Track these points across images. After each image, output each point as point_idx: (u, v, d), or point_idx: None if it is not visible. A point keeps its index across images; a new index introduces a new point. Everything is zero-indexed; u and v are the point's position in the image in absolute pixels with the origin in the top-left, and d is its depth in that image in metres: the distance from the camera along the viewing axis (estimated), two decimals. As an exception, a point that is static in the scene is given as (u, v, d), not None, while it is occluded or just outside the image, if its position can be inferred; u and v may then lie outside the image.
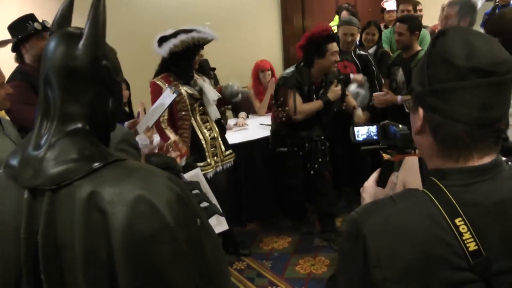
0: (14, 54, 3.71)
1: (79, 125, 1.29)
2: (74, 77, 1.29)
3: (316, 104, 4.43)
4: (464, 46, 1.10)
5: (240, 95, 4.16)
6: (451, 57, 1.10)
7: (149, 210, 1.21)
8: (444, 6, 6.60)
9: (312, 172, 4.53)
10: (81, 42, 1.29)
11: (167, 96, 3.61)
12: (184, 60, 3.81)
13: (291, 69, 4.49)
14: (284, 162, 4.71)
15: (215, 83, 5.06)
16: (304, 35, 4.39)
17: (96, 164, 1.25)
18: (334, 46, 4.27)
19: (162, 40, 3.71)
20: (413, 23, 4.54)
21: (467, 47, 1.10)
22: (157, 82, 3.83)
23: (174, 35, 3.68)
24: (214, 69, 5.55)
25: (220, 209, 1.89)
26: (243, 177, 4.84)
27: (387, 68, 4.96)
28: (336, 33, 4.86)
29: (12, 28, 3.67)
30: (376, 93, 4.75)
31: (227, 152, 4.15)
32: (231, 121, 5.45)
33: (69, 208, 1.21)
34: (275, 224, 5.20)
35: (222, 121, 4.28)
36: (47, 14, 3.54)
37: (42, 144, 1.27)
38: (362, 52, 5.15)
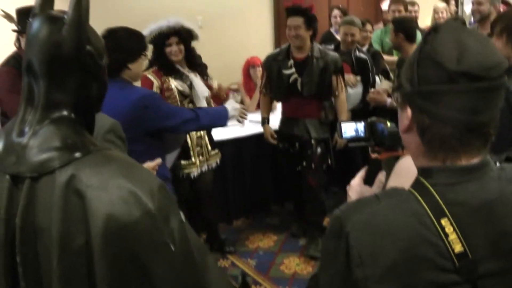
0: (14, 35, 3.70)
1: (64, 112, 1.28)
2: (58, 63, 1.27)
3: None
4: (455, 46, 1.07)
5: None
6: (442, 59, 1.06)
7: (131, 197, 1.20)
8: (435, 8, 6.63)
9: (300, 172, 4.45)
10: (64, 28, 1.26)
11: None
12: (156, 50, 3.87)
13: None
14: (277, 157, 4.73)
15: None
16: None
17: (78, 154, 1.23)
18: (291, 21, 4.21)
19: None
20: (398, 24, 4.56)
21: (459, 48, 1.06)
22: (148, 75, 3.84)
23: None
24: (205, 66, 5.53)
25: None
26: (231, 174, 4.81)
27: (382, 69, 5.01)
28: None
29: (21, 13, 3.58)
30: (372, 89, 4.73)
31: (213, 152, 4.17)
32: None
33: (48, 193, 1.20)
34: (261, 222, 5.18)
35: None
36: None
37: (26, 131, 1.26)
38: (362, 55, 5.03)
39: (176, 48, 3.84)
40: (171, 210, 1.28)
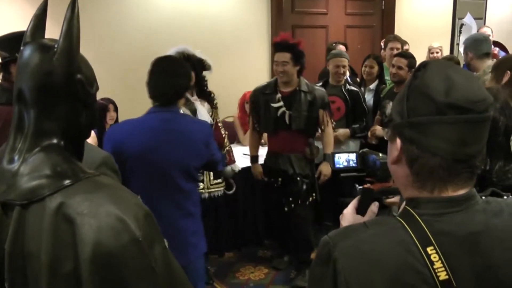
0: None
1: (54, 140, 1.30)
2: (48, 92, 1.29)
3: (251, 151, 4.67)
4: (443, 81, 1.11)
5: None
6: (430, 91, 1.11)
7: (118, 224, 1.21)
8: (430, 47, 6.74)
9: (286, 209, 4.41)
10: (55, 57, 1.28)
11: None
12: None
13: None
14: (266, 191, 4.72)
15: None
16: None
17: (68, 182, 1.25)
18: (278, 56, 4.24)
19: None
20: (412, 60, 4.71)
21: (447, 82, 1.11)
22: None
23: None
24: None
25: None
26: (222, 206, 4.78)
27: (380, 102, 5.06)
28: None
29: (4, 42, 3.49)
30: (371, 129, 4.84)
31: (215, 181, 4.19)
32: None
33: (38, 219, 1.21)
34: (253, 254, 5.16)
35: (225, 149, 4.36)
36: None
37: (16, 158, 1.27)
38: (352, 88, 5.10)
39: None
40: (156, 237, 1.30)
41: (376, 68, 5.56)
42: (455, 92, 1.09)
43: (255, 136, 4.67)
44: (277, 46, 4.32)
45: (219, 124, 4.38)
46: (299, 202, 4.37)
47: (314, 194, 4.43)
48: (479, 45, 4.61)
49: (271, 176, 4.50)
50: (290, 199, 4.38)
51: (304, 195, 4.38)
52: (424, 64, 1.18)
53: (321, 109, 4.38)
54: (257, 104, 4.49)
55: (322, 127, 4.43)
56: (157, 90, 2.87)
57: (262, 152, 4.82)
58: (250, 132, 4.71)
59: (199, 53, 4.07)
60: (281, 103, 4.33)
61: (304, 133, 4.37)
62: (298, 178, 4.36)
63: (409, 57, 4.75)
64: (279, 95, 4.35)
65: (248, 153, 4.92)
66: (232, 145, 5.36)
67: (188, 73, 2.95)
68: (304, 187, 4.37)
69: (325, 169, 4.42)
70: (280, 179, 4.45)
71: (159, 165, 2.79)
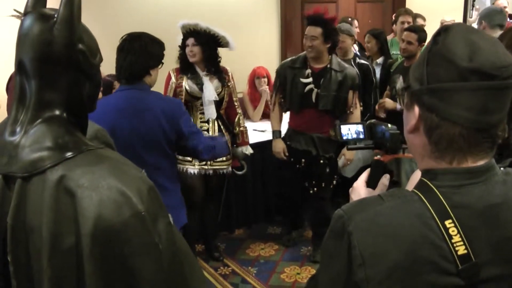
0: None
1: (56, 112, 1.27)
2: (49, 63, 1.26)
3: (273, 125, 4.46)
4: (467, 45, 1.05)
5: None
6: (453, 56, 1.05)
7: (121, 197, 1.18)
8: (443, 21, 6.64)
9: (311, 191, 4.31)
10: (55, 26, 1.25)
11: None
12: (180, 49, 4.04)
13: None
14: (280, 169, 4.58)
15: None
16: None
17: (69, 154, 1.23)
18: (309, 30, 4.08)
19: None
20: (422, 34, 4.62)
21: (470, 47, 1.05)
22: (170, 71, 4.04)
23: None
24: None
25: None
26: (233, 183, 4.76)
27: (390, 76, 5.02)
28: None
29: None
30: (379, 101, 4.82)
31: (219, 159, 4.11)
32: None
33: (39, 192, 1.19)
34: (263, 231, 5.15)
35: (239, 129, 4.31)
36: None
37: (17, 130, 1.25)
38: (362, 61, 5.06)
39: (191, 49, 3.94)
40: (160, 211, 1.28)
41: (373, 42, 5.53)
42: (479, 57, 1.03)
43: (278, 111, 4.43)
44: (308, 20, 4.15)
45: (235, 103, 4.29)
46: (323, 185, 4.29)
47: (335, 176, 4.37)
48: (494, 16, 4.64)
49: (292, 156, 4.33)
50: (313, 182, 4.29)
51: (328, 178, 4.30)
52: (445, 28, 1.11)
53: (351, 90, 4.20)
54: (284, 78, 4.28)
55: (351, 110, 4.24)
56: (117, 68, 2.89)
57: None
58: (274, 107, 4.45)
59: (216, 29, 3.99)
60: (310, 79, 4.14)
61: (330, 114, 4.21)
62: (322, 161, 4.24)
63: (419, 31, 4.65)
64: (309, 71, 4.16)
65: (259, 128, 4.86)
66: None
67: (149, 51, 2.87)
68: (328, 170, 4.27)
69: (349, 154, 4.24)
70: (303, 160, 4.29)
71: (127, 144, 2.75)
